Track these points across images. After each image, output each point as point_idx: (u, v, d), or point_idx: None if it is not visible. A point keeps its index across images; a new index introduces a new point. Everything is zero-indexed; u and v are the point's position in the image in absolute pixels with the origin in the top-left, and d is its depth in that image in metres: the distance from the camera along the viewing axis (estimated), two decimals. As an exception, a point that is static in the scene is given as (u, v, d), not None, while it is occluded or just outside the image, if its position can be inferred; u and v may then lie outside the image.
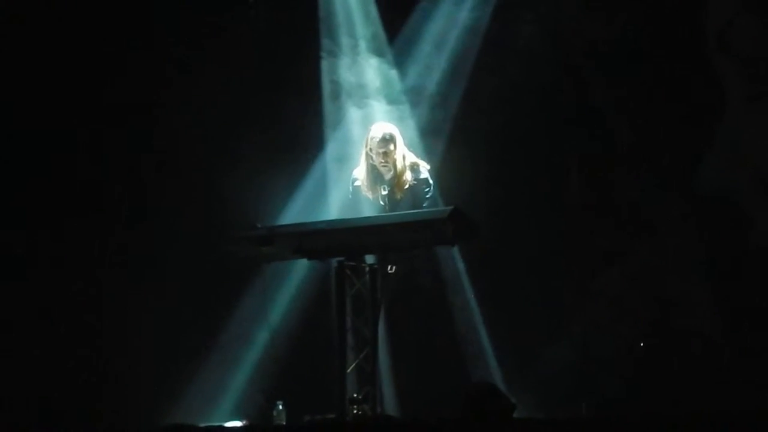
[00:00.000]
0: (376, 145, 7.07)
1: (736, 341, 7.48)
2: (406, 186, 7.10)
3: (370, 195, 7.14)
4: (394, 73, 8.54)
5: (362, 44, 8.61)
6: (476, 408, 6.06)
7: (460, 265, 7.95)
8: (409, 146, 7.35)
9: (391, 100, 8.50)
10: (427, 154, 7.72)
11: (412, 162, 7.17)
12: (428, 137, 8.22)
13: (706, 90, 7.76)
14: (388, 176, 7.12)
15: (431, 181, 7.19)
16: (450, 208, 6.33)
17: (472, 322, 7.96)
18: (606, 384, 7.74)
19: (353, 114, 8.56)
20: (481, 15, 8.39)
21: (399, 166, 7.08)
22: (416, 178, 7.13)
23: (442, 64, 8.45)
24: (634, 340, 7.79)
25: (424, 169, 7.19)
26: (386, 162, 7.08)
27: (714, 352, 7.53)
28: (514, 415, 6.09)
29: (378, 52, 8.57)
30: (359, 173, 7.21)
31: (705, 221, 7.71)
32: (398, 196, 7.10)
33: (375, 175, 7.13)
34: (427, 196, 7.14)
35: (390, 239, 6.43)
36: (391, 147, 7.06)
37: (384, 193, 7.10)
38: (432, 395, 7.35)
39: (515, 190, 8.14)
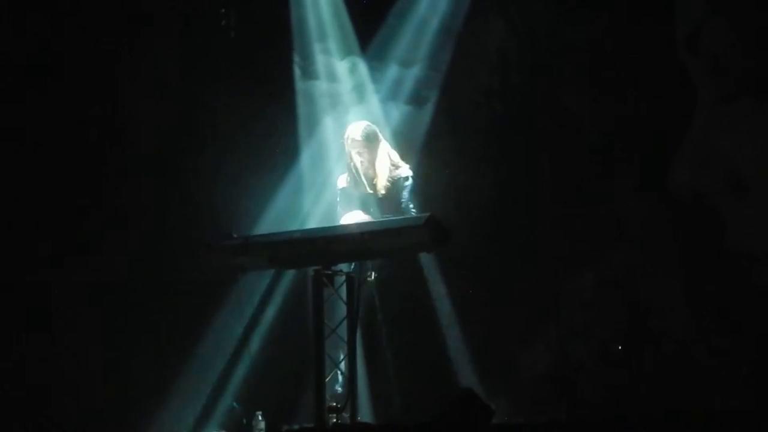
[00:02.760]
0: (350, 145, 7.05)
1: (708, 342, 7.53)
2: (388, 183, 7.05)
3: (355, 193, 7.11)
4: (367, 78, 8.55)
5: (334, 50, 8.62)
6: (455, 414, 6.09)
7: (437, 272, 7.96)
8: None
9: (364, 105, 8.52)
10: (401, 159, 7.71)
11: (394, 160, 7.11)
12: (401, 141, 8.21)
13: (677, 91, 7.81)
14: (368, 174, 7.07)
15: (412, 178, 7.10)
16: (426, 215, 6.33)
17: (448, 328, 7.97)
18: (582, 386, 7.78)
19: (327, 120, 8.56)
20: (454, 20, 8.42)
21: (377, 164, 7.04)
22: (395, 176, 7.06)
23: (414, 70, 8.48)
24: (608, 343, 7.83)
25: (405, 167, 7.13)
26: (362, 160, 7.05)
27: (687, 353, 7.58)
28: (493, 420, 6.12)
29: (351, 59, 8.58)
30: (344, 176, 7.19)
31: (678, 223, 7.76)
32: (381, 194, 7.05)
33: (356, 174, 7.09)
34: (408, 188, 7.05)
35: (366, 247, 6.42)
36: (366, 146, 7.02)
37: (369, 191, 7.05)
38: (409, 401, 7.38)
39: (489, 195, 8.17)
